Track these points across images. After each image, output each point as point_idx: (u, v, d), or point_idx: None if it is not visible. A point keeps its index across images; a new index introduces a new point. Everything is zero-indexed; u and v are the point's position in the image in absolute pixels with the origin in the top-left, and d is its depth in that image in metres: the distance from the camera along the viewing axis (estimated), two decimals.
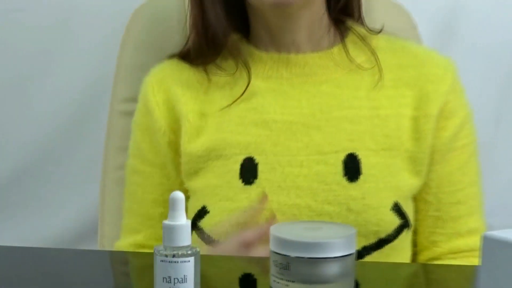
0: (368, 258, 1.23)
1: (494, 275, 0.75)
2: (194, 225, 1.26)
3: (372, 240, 1.23)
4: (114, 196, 1.49)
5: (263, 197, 1.22)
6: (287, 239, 0.93)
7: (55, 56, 1.75)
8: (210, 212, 1.25)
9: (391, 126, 1.28)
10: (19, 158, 1.79)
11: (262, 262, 1.13)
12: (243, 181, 1.25)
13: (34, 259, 1.20)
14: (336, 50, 1.33)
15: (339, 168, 1.25)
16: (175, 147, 1.33)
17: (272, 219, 1.21)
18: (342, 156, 1.26)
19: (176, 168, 1.33)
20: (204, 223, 1.26)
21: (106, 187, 1.55)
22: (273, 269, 0.95)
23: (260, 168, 1.26)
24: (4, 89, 1.76)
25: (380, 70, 1.31)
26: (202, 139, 1.29)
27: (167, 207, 0.92)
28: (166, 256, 0.89)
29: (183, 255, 0.89)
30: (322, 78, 1.31)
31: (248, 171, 1.26)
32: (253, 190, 1.25)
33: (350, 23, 1.36)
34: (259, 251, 1.15)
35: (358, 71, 1.32)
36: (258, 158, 1.26)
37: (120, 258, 1.30)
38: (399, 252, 1.27)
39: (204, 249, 1.20)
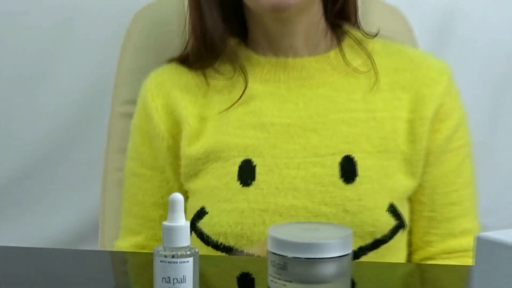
0: (364, 259, 1.23)
1: (488, 276, 0.75)
2: (193, 226, 1.26)
3: (368, 240, 1.23)
4: (114, 197, 1.49)
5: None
6: (284, 240, 0.94)
7: (57, 58, 1.75)
8: (209, 213, 1.26)
9: (387, 129, 1.28)
10: (21, 158, 1.79)
11: (259, 262, 1.13)
12: (241, 183, 1.25)
13: (35, 259, 1.20)
14: (333, 54, 1.34)
15: (336, 170, 1.25)
16: (174, 151, 1.33)
17: None
18: (338, 158, 1.26)
19: (175, 172, 1.34)
20: (203, 223, 1.26)
21: (106, 188, 1.55)
22: (270, 269, 0.95)
23: (258, 170, 1.26)
24: (6, 90, 1.76)
25: (376, 74, 1.31)
26: (201, 141, 1.29)
27: (167, 209, 0.93)
28: (166, 256, 0.90)
29: (182, 256, 0.90)
30: (319, 81, 1.31)
31: (246, 173, 1.26)
32: (251, 191, 1.25)
33: (346, 27, 1.36)
34: None
35: (354, 74, 1.32)
36: (256, 160, 1.26)
37: (120, 258, 1.31)
38: (395, 252, 1.27)
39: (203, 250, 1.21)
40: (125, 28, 1.55)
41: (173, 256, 0.89)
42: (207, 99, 1.33)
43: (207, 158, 1.28)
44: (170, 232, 0.90)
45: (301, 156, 1.26)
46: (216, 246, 1.25)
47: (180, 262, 0.89)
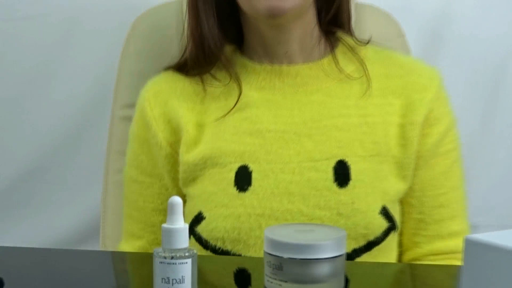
0: (357, 260, 1.23)
1: (476, 277, 0.75)
2: (192, 230, 1.26)
3: (361, 242, 1.23)
4: (115, 198, 1.50)
5: None
6: (280, 241, 0.94)
7: (60, 63, 1.75)
8: (206, 218, 1.25)
9: (379, 133, 1.28)
10: (25, 161, 1.79)
11: (256, 262, 1.13)
12: (237, 188, 1.25)
13: (38, 259, 1.20)
14: (326, 61, 1.34)
15: (330, 174, 1.25)
16: (172, 159, 1.33)
17: None
18: (332, 162, 1.26)
19: (173, 178, 1.34)
20: (201, 228, 1.26)
21: (107, 189, 1.55)
22: (267, 270, 0.96)
23: (254, 175, 1.26)
24: (10, 94, 1.76)
25: (368, 80, 1.31)
26: (199, 148, 1.29)
27: (167, 214, 0.93)
28: (165, 258, 0.90)
29: (181, 257, 0.90)
30: (313, 88, 1.32)
31: (243, 179, 1.26)
32: (247, 197, 1.25)
33: (339, 34, 1.37)
34: None
35: (347, 80, 1.32)
36: (252, 166, 1.26)
37: (121, 259, 1.31)
38: (386, 253, 1.27)
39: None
40: (125, 34, 1.56)
41: (172, 257, 0.90)
42: (204, 106, 1.33)
43: (205, 164, 1.28)
44: (169, 234, 0.91)
45: (296, 161, 1.26)
46: (214, 250, 1.25)
47: (179, 263, 0.90)
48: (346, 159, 1.26)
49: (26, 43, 1.74)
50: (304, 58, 1.33)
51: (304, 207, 1.24)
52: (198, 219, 1.26)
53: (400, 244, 1.34)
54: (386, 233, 1.25)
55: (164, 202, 1.33)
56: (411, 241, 1.34)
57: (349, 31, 1.38)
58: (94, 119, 1.76)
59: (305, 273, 0.93)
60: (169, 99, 1.34)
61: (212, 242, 1.25)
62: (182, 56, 1.38)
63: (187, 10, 1.34)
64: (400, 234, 1.33)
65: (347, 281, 1.00)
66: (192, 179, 1.29)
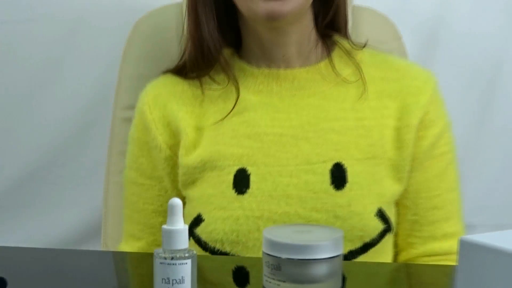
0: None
1: (471, 278, 0.75)
2: (191, 232, 1.26)
3: (357, 244, 1.23)
4: (116, 199, 1.50)
5: None
6: (279, 242, 0.94)
7: (62, 65, 1.75)
8: (205, 220, 1.25)
9: (375, 136, 1.28)
10: (28, 161, 1.79)
11: (255, 262, 1.13)
12: (236, 191, 1.25)
13: (40, 259, 1.20)
14: (323, 64, 1.34)
15: (327, 177, 1.25)
16: (171, 161, 1.33)
17: None
18: (329, 165, 1.26)
19: (172, 181, 1.34)
20: (200, 230, 1.26)
21: (109, 189, 1.55)
22: (265, 270, 0.96)
23: (252, 178, 1.26)
24: (14, 96, 1.76)
25: (364, 83, 1.31)
26: (198, 151, 1.29)
27: (166, 216, 0.93)
28: (165, 258, 0.90)
29: (181, 258, 0.90)
30: (310, 91, 1.32)
31: (241, 181, 1.26)
32: (246, 199, 1.25)
33: (336, 37, 1.37)
34: None
35: (343, 84, 1.32)
36: (250, 169, 1.26)
37: (121, 259, 1.31)
38: (382, 254, 1.27)
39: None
40: (126, 36, 1.56)
41: (172, 258, 0.90)
42: (203, 109, 1.33)
43: (204, 167, 1.28)
44: (169, 235, 0.91)
45: (293, 164, 1.26)
46: (213, 252, 1.25)
47: (179, 264, 0.90)
48: (343, 162, 1.26)
49: (29, 44, 1.74)
50: (301, 62, 1.34)
51: (301, 209, 1.24)
52: (197, 221, 1.26)
53: (395, 245, 1.34)
54: (382, 235, 1.25)
55: (163, 204, 1.33)
56: (406, 242, 1.34)
57: (345, 35, 1.39)
58: (96, 120, 1.76)
59: (303, 273, 0.94)
60: (168, 102, 1.34)
61: (211, 244, 1.25)
62: (181, 59, 1.38)
63: (186, 12, 1.34)
64: (395, 235, 1.33)
65: (344, 280, 1.00)
66: (191, 181, 1.30)
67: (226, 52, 1.36)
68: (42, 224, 1.79)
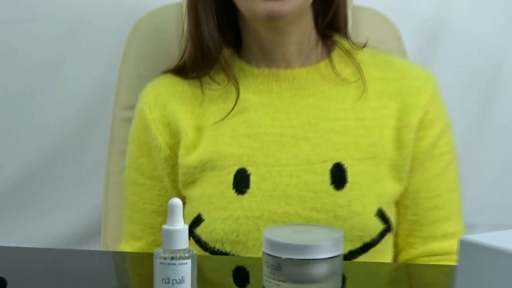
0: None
1: (471, 278, 0.74)
2: (191, 232, 1.26)
3: (357, 244, 1.23)
4: (116, 198, 1.50)
5: None
6: (279, 242, 0.94)
7: (63, 65, 1.76)
8: (205, 220, 1.25)
9: (375, 136, 1.28)
10: (28, 161, 1.79)
11: (255, 262, 1.13)
12: (236, 191, 1.25)
13: (40, 259, 1.21)
14: (323, 64, 1.34)
15: (327, 177, 1.25)
16: (171, 161, 1.33)
17: None
18: (329, 165, 1.25)
19: (172, 181, 1.34)
20: (200, 230, 1.25)
21: (109, 189, 1.55)
22: (265, 270, 0.96)
23: (252, 178, 1.25)
24: (15, 96, 1.77)
25: (364, 83, 1.31)
26: (198, 151, 1.29)
27: (166, 216, 0.93)
28: (165, 258, 0.90)
29: (180, 258, 0.90)
30: (310, 91, 1.31)
31: (241, 181, 1.25)
32: (246, 199, 1.24)
33: (336, 37, 1.37)
34: None
35: (343, 84, 1.32)
36: (250, 169, 1.26)
37: (122, 259, 1.31)
38: (382, 254, 1.27)
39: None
40: (126, 36, 1.56)
41: (172, 258, 0.90)
42: (203, 109, 1.33)
43: (204, 167, 1.28)
44: (169, 235, 0.91)
45: (293, 164, 1.26)
46: (213, 252, 1.25)
47: (179, 264, 0.90)
48: (343, 162, 1.25)
49: (29, 44, 1.74)
50: (301, 62, 1.33)
51: (301, 209, 1.23)
52: (197, 221, 1.26)
53: (395, 245, 1.34)
54: (381, 235, 1.25)
55: (163, 204, 1.33)
56: (406, 242, 1.33)
57: (345, 35, 1.38)
58: (96, 120, 1.76)
59: (303, 273, 0.93)
60: (168, 102, 1.33)
61: (211, 244, 1.24)
62: (181, 59, 1.37)
63: (186, 12, 1.34)
64: (395, 235, 1.32)
65: (344, 280, 1.00)
66: (191, 181, 1.29)
67: (226, 52, 1.35)
68: (42, 224, 1.80)
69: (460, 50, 1.78)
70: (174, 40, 1.44)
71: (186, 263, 0.90)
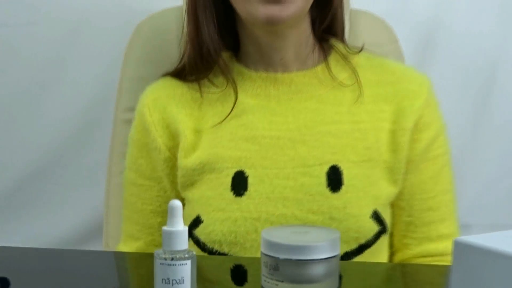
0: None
1: (465, 279, 0.74)
2: (190, 233, 1.26)
3: (353, 246, 1.23)
4: (118, 199, 1.49)
5: None
6: (277, 242, 0.95)
7: (65, 67, 1.75)
8: (204, 222, 1.25)
9: (371, 139, 1.28)
10: (30, 161, 1.79)
11: (253, 263, 1.13)
12: (234, 193, 1.25)
13: (42, 260, 1.21)
14: (320, 68, 1.34)
15: (323, 179, 1.25)
16: (170, 163, 1.33)
17: None
18: (325, 168, 1.26)
19: (172, 182, 1.34)
20: (199, 232, 1.25)
21: (110, 190, 1.55)
22: (263, 270, 0.96)
23: (250, 180, 1.26)
24: (18, 97, 1.76)
25: (360, 87, 1.31)
26: (197, 153, 1.29)
27: (165, 216, 0.93)
28: (165, 259, 0.90)
29: (180, 258, 0.90)
30: (307, 95, 1.31)
31: (239, 184, 1.26)
32: (244, 201, 1.24)
33: (333, 41, 1.37)
34: None
35: (340, 87, 1.32)
36: (248, 172, 1.26)
37: (123, 260, 1.31)
38: (377, 255, 1.27)
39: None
40: (128, 40, 1.56)
41: (172, 259, 0.90)
42: (201, 112, 1.33)
43: (203, 169, 1.28)
44: (169, 236, 0.91)
45: (290, 167, 1.26)
46: (212, 253, 1.25)
47: (178, 264, 0.90)
48: (339, 165, 1.26)
49: (32, 47, 1.74)
50: (299, 66, 1.33)
51: (298, 211, 1.23)
52: (196, 222, 1.26)
53: (391, 245, 1.34)
54: (377, 236, 1.25)
55: (162, 204, 1.33)
56: (401, 242, 1.34)
57: (342, 39, 1.38)
58: (98, 120, 1.76)
59: (300, 273, 0.94)
60: (168, 105, 1.34)
61: (210, 245, 1.24)
62: (180, 61, 1.38)
63: (186, 15, 1.34)
64: (391, 236, 1.32)
65: (341, 280, 1.00)
66: (190, 183, 1.29)
67: (225, 55, 1.35)
68: (44, 224, 1.79)
69: (456, 51, 1.78)
70: (174, 43, 1.44)
71: (186, 264, 0.90)
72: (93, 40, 1.74)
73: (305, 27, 1.32)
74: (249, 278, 1.14)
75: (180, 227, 0.91)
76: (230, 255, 1.23)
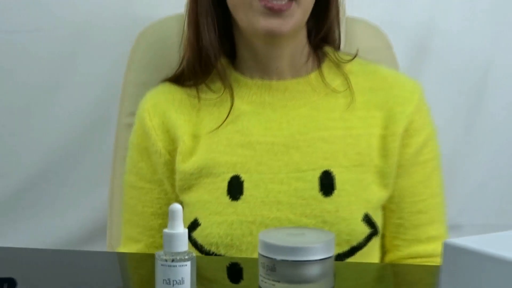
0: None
1: (454, 281, 0.74)
2: (188, 236, 1.25)
3: (345, 248, 1.24)
4: (121, 200, 1.49)
5: None
6: (273, 244, 0.95)
7: (69, 72, 1.74)
8: (202, 225, 1.25)
9: (362, 145, 1.28)
10: (35, 163, 1.78)
11: (251, 263, 1.13)
12: (230, 197, 1.25)
13: (47, 260, 1.21)
14: (314, 75, 1.34)
15: (316, 184, 1.25)
16: (170, 166, 1.33)
17: None
18: (318, 173, 1.26)
19: (172, 184, 1.33)
20: (196, 234, 1.25)
21: (114, 192, 1.55)
22: (261, 270, 0.96)
23: (245, 185, 1.26)
24: (23, 100, 1.75)
25: (352, 93, 1.31)
26: (194, 158, 1.29)
27: (165, 218, 0.93)
28: (166, 260, 0.91)
29: (181, 260, 0.91)
30: (301, 102, 1.31)
31: (235, 188, 1.26)
32: (239, 205, 1.25)
33: (327, 49, 1.37)
34: None
35: (333, 94, 1.32)
36: (243, 176, 1.26)
37: (125, 261, 1.31)
38: (369, 257, 1.27)
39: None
40: (131, 46, 1.56)
41: (172, 260, 0.90)
42: (199, 117, 1.33)
43: (200, 174, 1.28)
44: (170, 238, 0.91)
45: (285, 172, 1.26)
46: (209, 254, 1.25)
47: (179, 266, 0.90)
48: (331, 170, 1.26)
49: (35, 54, 1.73)
50: (293, 74, 1.33)
51: (291, 215, 1.24)
52: (194, 225, 1.26)
53: (383, 246, 1.34)
54: (368, 239, 1.25)
55: (162, 206, 1.33)
56: (392, 244, 1.34)
57: (337, 48, 1.38)
58: (101, 123, 1.75)
59: (296, 273, 0.94)
60: (167, 110, 1.34)
61: (207, 247, 1.25)
62: (179, 67, 1.37)
63: (186, 21, 1.34)
64: (382, 237, 1.33)
65: (335, 280, 1.00)
66: (187, 187, 1.29)
67: (222, 61, 1.35)
68: (49, 225, 1.78)
69: (449, 57, 1.77)
70: (176, 50, 1.44)
71: (186, 265, 0.90)
72: (98, 47, 1.74)
73: (302, 38, 1.33)
74: (247, 278, 1.14)
75: (180, 229, 0.92)
76: (226, 257, 1.24)
